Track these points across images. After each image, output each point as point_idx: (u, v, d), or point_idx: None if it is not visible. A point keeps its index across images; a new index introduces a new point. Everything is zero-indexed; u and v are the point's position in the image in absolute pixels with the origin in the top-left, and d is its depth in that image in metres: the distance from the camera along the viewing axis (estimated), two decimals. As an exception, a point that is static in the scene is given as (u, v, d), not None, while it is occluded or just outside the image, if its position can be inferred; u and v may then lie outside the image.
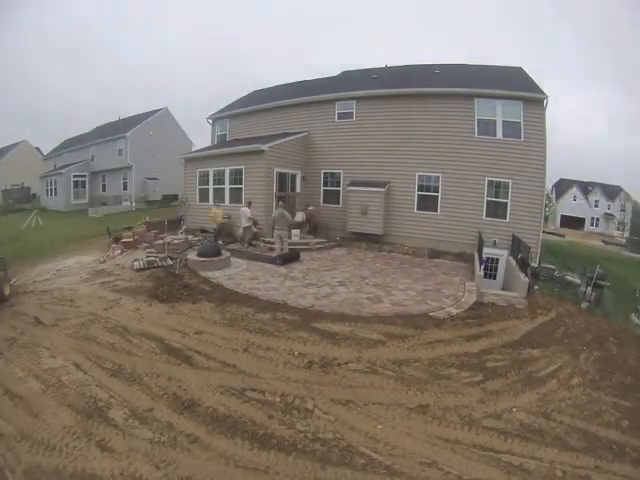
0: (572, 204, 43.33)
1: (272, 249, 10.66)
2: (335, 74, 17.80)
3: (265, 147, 12.00)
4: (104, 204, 23.90)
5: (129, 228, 13.22)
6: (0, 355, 4.90)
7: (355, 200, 13.00)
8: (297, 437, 3.39)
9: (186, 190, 14.61)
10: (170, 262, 8.92)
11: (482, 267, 9.02)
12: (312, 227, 13.13)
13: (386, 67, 17.12)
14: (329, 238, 12.87)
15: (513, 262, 9.82)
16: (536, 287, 8.77)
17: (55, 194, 25.68)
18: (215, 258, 8.88)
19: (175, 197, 25.25)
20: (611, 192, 42.82)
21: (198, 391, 4.06)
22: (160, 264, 8.78)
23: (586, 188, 43.36)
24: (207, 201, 13.64)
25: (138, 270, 8.51)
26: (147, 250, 10.51)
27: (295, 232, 12.22)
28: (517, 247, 10.01)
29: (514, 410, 3.99)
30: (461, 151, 12.17)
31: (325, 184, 14.46)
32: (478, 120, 12.11)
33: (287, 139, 13.52)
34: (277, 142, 12.87)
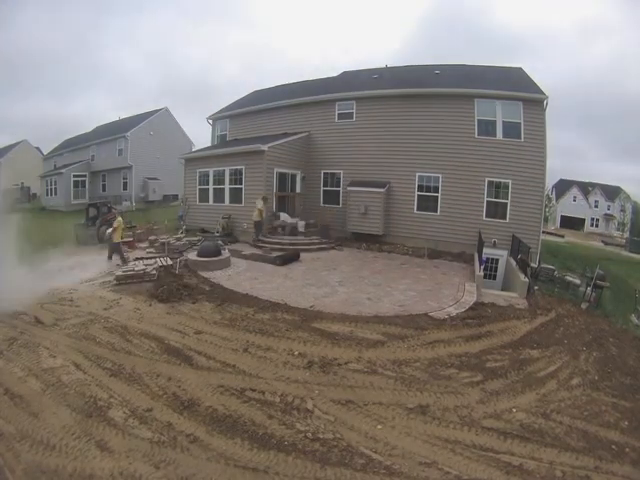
0: (572, 204, 43.34)
1: (273, 249, 10.73)
2: (335, 74, 17.83)
3: (265, 147, 12.01)
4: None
5: (131, 227, 13.26)
6: (0, 355, 4.90)
7: (355, 200, 13.01)
8: (297, 437, 3.39)
9: (186, 190, 14.63)
10: (170, 262, 8.92)
11: (482, 267, 9.03)
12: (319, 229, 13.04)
13: (386, 67, 17.13)
14: (329, 238, 12.88)
15: (513, 262, 9.83)
16: (536, 287, 8.78)
17: (55, 194, 25.67)
18: (215, 258, 8.88)
19: (175, 197, 25.29)
20: (611, 192, 42.84)
21: (198, 391, 4.05)
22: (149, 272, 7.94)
23: (586, 188, 43.37)
24: (207, 201, 13.66)
25: (117, 284, 7.59)
26: (147, 250, 10.53)
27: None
28: (517, 247, 10.02)
29: (514, 410, 3.99)
30: (461, 151, 12.19)
31: (325, 184, 14.48)
32: (478, 120, 12.14)
33: (287, 139, 13.53)
34: (277, 142, 12.88)
